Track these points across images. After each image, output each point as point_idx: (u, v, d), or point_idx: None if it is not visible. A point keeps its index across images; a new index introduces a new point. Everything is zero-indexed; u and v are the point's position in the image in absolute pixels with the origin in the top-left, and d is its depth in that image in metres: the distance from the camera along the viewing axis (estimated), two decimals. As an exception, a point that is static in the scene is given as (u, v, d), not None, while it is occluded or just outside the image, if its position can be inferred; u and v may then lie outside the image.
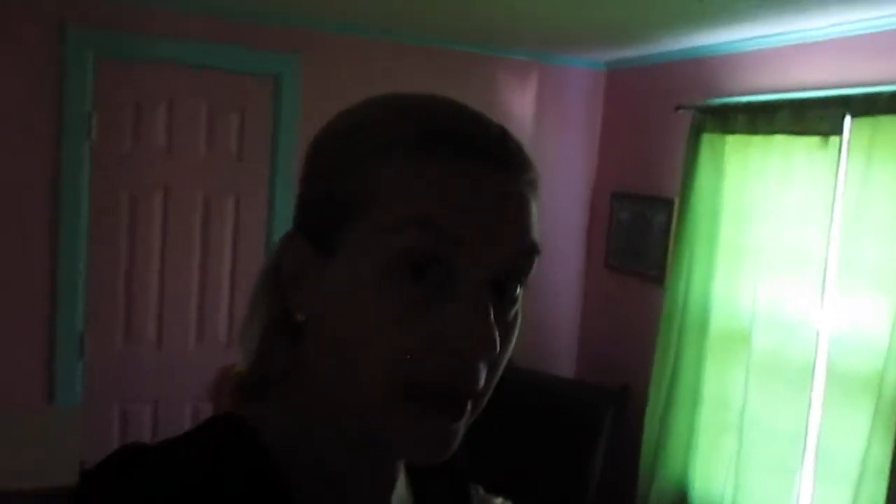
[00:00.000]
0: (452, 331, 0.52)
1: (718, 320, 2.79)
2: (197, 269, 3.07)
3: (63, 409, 2.88)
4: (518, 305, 0.57)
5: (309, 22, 3.05)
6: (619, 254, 3.47)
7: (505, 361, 0.56)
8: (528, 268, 0.56)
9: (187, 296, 3.07)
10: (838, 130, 2.34)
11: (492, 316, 0.52)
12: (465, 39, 3.26)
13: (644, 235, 3.30)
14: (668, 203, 3.13)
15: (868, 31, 2.33)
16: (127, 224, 2.96)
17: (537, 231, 0.57)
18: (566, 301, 3.71)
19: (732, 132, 2.72)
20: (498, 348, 0.52)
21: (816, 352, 2.41)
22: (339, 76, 3.01)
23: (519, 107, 3.51)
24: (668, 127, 3.12)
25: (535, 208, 0.58)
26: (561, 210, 3.63)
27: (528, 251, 0.56)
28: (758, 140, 2.63)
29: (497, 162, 0.55)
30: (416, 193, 0.53)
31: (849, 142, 2.31)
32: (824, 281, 2.37)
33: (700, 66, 3.02)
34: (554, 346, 3.69)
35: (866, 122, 2.24)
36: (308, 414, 0.59)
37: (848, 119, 2.31)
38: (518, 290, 0.56)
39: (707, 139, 2.82)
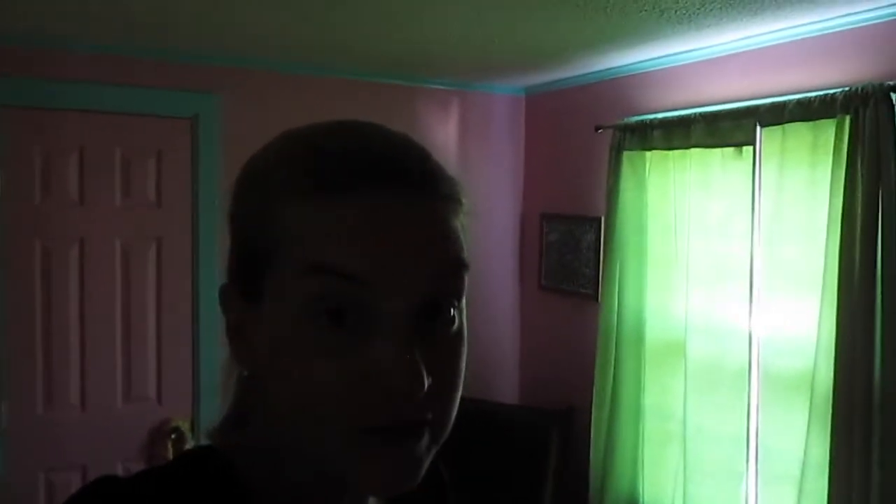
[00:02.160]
0: (377, 372, 0.50)
1: (654, 333, 2.83)
2: (120, 323, 2.93)
3: (-19, 482, 2.69)
4: (459, 322, 0.56)
5: (225, 60, 2.99)
6: (552, 274, 3.50)
7: (458, 381, 0.55)
8: (457, 286, 0.55)
9: (111, 352, 2.92)
10: (751, 140, 2.43)
11: (415, 350, 0.50)
12: (387, 71, 3.26)
13: (575, 254, 3.34)
14: (596, 221, 3.19)
15: (773, 44, 2.44)
16: (41, 281, 2.80)
17: (461, 246, 0.55)
18: (503, 325, 3.71)
19: (651, 148, 2.80)
20: (426, 384, 0.50)
21: (750, 356, 2.47)
22: (259, 114, 2.95)
23: (443, 136, 3.52)
24: (590, 147, 3.19)
25: (454, 223, 0.56)
26: (491, 235, 3.65)
27: (451, 271, 0.54)
28: (676, 154, 2.70)
29: (401, 184, 0.53)
30: (317, 238, 0.51)
31: (761, 150, 2.40)
32: (751, 285, 2.44)
33: (616, 87, 3.10)
34: (495, 372, 3.68)
35: (776, 131, 2.33)
36: (274, 449, 0.58)
37: (759, 129, 2.41)
38: (453, 310, 0.55)
39: (627, 157, 2.88)
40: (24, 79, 2.72)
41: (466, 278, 0.55)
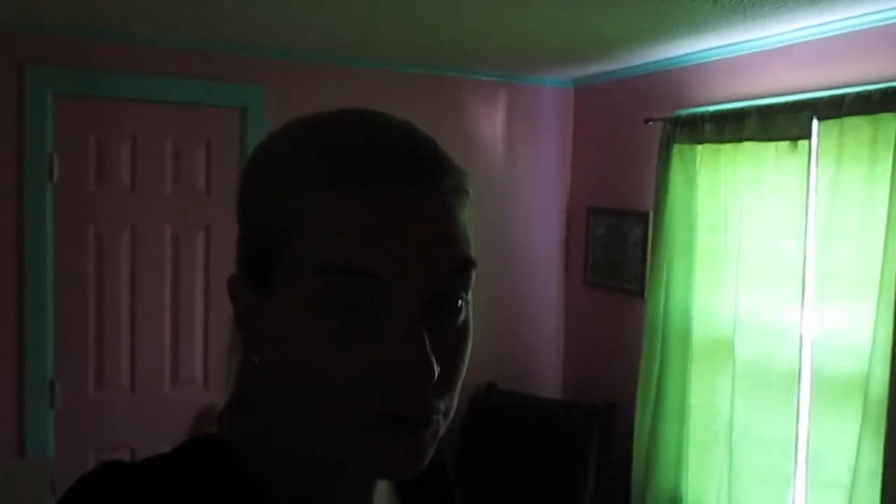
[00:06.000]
0: (388, 364, 0.51)
1: (700, 331, 2.76)
2: (169, 309, 3.00)
3: (35, 459, 2.78)
4: (465, 314, 0.56)
5: (273, 51, 3.02)
6: (598, 269, 3.45)
7: (463, 371, 0.56)
8: (464, 282, 0.55)
9: (160, 337, 2.99)
10: (807, 134, 2.34)
11: (427, 344, 0.51)
12: (433, 63, 3.25)
13: (621, 249, 3.29)
14: (644, 216, 3.12)
15: (831, 34, 2.35)
16: (94, 266, 2.88)
17: (468, 242, 0.55)
18: (547, 320, 3.67)
19: (702, 142, 2.72)
20: (436, 375, 0.51)
21: (801, 357, 2.39)
22: (305, 105, 2.95)
23: (490, 128, 3.50)
24: (639, 140, 3.13)
25: (462, 215, 0.55)
26: (537, 228, 3.61)
27: (459, 268, 0.54)
28: (728, 148, 2.63)
29: (409, 177, 0.52)
30: (331, 234, 0.51)
31: (818, 145, 2.32)
32: (804, 285, 2.36)
33: (666, 79, 3.03)
34: (538, 366, 3.65)
35: (833, 125, 2.24)
36: (281, 436, 0.60)
37: (815, 122, 2.32)
38: (460, 302, 0.55)
39: (678, 150, 2.82)
40: (81, 69, 2.79)
41: (474, 274, 0.56)
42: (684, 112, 2.84)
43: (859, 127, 2.16)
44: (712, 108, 2.71)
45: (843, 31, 2.30)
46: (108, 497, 0.54)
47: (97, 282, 2.89)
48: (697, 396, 2.77)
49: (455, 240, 0.54)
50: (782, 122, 2.41)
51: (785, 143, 2.41)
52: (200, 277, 3.04)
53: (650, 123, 2.96)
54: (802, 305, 2.37)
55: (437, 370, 0.51)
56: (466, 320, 0.57)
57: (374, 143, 0.53)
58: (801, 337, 2.38)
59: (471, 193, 0.58)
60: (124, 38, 2.81)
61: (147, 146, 2.92)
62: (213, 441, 0.60)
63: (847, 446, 2.17)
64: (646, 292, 3.01)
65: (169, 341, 3.01)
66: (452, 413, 0.56)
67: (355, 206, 0.51)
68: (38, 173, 2.74)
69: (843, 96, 2.20)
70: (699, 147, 2.74)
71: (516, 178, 3.56)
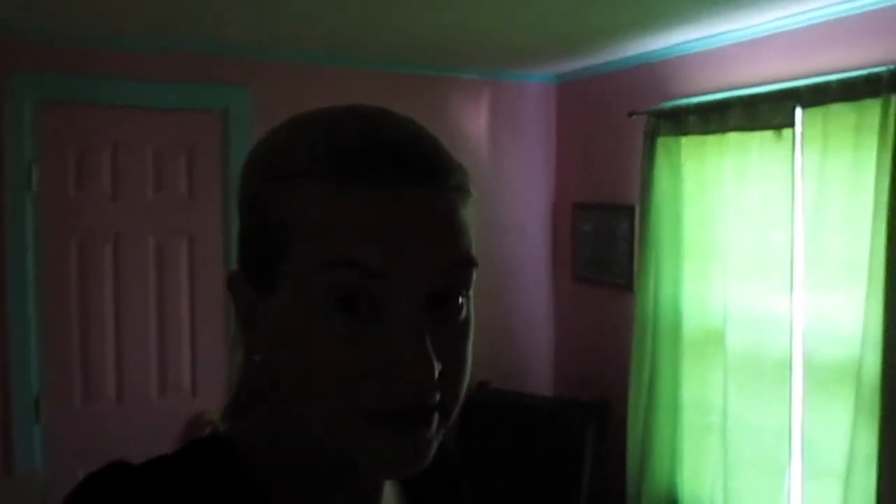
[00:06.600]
0: (389, 360, 0.51)
1: (691, 323, 2.76)
2: (154, 317, 2.95)
3: (22, 475, 2.73)
4: (466, 311, 0.56)
5: (255, 52, 2.99)
6: (587, 265, 3.45)
7: (467, 367, 0.56)
8: (466, 280, 0.55)
9: (146, 345, 2.95)
10: (790, 122, 2.35)
11: (427, 340, 0.51)
12: (416, 62, 3.23)
13: (609, 244, 3.28)
14: (630, 210, 3.12)
15: (812, 23, 2.35)
16: (77, 276, 2.83)
17: (470, 241, 0.55)
18: (537, 317, 3.67)
19: (686, 134, 2.73)
20: (436, 372, 0.51)
21: (792, 346, 2.39)
22: (290, 105, 2.90)
23: (473, 126, 3.48)
24: (623, 134, 3.12)
25: (465, 216, 0.56)
26: (524, 225, 3.60)
27: (461, 265, 0.54)
28: (712, 139, 2.63)
29: (414, 176, 0.52)
30: (335, 231, 0.51)
31: (802, 133, 2.32)
32: (793, 274, 2.36)
33: (649, 71, 3.03)
34: (529, 364, 3.64)
35: (817, 113, 2.25)
36: (284, 434, 0.60)
37: (799, 111, 2.32)
38: (461, 299, 0.55)
39: (662, 143, 2.82)
40: (58, 75, 2.74)
41: (475, 272, 0.56)
42: (668, 104, 2.84)
43: (843, 114, 2.16)
44: (696, 100, 2.71)
45: (825, 18, 2.31)
46: (112, 497, 0.54)
47: (80, 292, 2.84)
48: (690, 388, 2.77)
49: (457, 237, 0.54)
50: (766, 112, 2.41)
51: (769, 133, 2.42)
52: (185, 284, 3.00)
53: (634, 117, 2.96)
54: (792, 294, 2.37)
55: (437, 367, 0.51)
56: (468, 317, 0.57)
57: (377, 142, 0.53)
58: (791, 326, 2.39)
59: (473, 193, 0.58)
60: (102, 42, 2.76)
61: (128, 153, 2.88)
62: (216, 441, 0.60)
63: (841, 434, 2.17)
64: (635, 286, 3.01)
65: (155, 350, 2.97)
66: (457, 409, 0.56)
67: (359, 203, 0.51)
68: (17, 183, 2.69)
69: (826, 84, 2.21)
70: (684, 139, 2.75)
71: (502, 175, 3.54)
